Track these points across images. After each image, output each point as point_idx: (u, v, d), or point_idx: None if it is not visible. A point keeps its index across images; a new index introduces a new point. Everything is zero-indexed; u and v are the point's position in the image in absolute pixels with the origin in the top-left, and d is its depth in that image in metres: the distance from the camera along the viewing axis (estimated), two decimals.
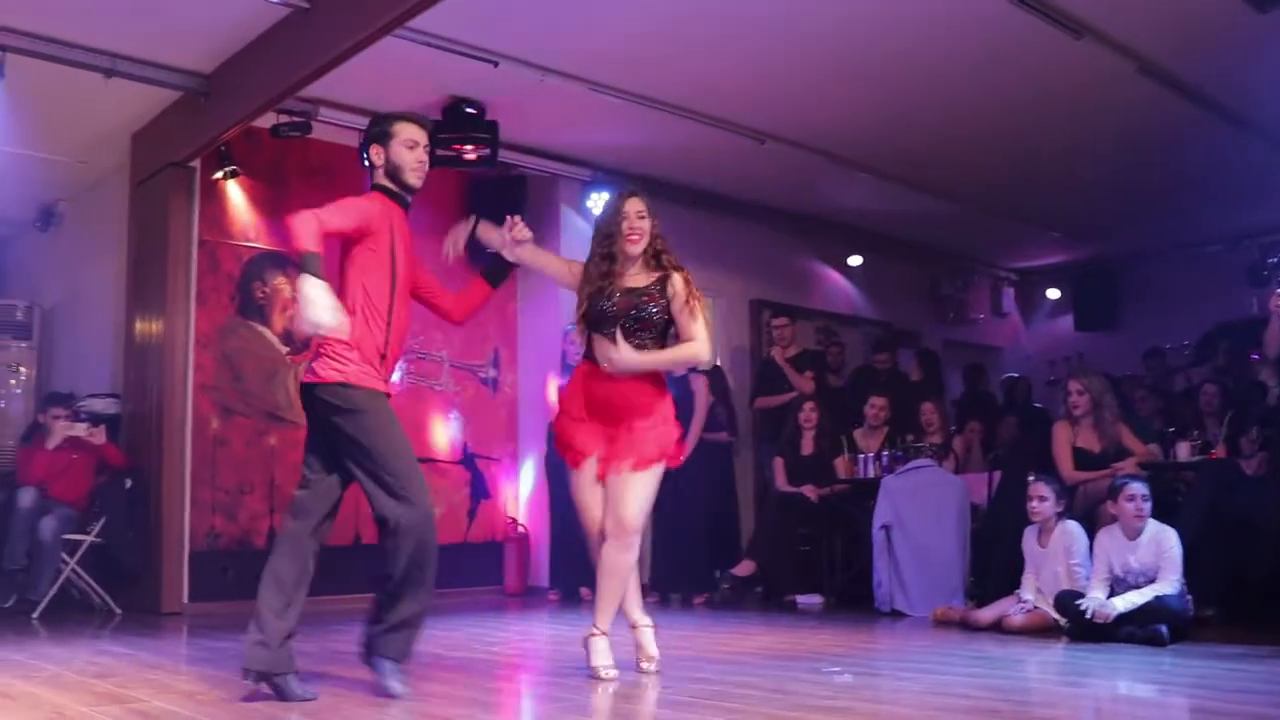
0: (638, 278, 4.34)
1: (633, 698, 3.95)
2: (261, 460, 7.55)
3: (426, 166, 4.02)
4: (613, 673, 4.19)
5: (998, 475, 7.06)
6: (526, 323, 9.05)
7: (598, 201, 8.71)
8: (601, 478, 4.28)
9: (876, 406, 8.00)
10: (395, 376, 7.93)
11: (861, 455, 7.68)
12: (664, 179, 9.20)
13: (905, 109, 7.77)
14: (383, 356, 3.88)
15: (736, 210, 9.89)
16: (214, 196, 7.59)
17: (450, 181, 8.40)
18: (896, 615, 6.75)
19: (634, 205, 4.36)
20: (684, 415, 7.97)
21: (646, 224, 4.35)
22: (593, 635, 4.27)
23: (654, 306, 4.28)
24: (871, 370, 9.58)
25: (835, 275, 11.00)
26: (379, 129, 4.00)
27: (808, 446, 7.95)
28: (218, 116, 6.95)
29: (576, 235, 8.80)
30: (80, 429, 7.37)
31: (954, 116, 7.91)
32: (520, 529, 8.73)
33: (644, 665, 4.33)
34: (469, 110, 7.45)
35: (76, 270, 9.13)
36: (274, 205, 7.58)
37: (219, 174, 7.46)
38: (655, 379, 4.33)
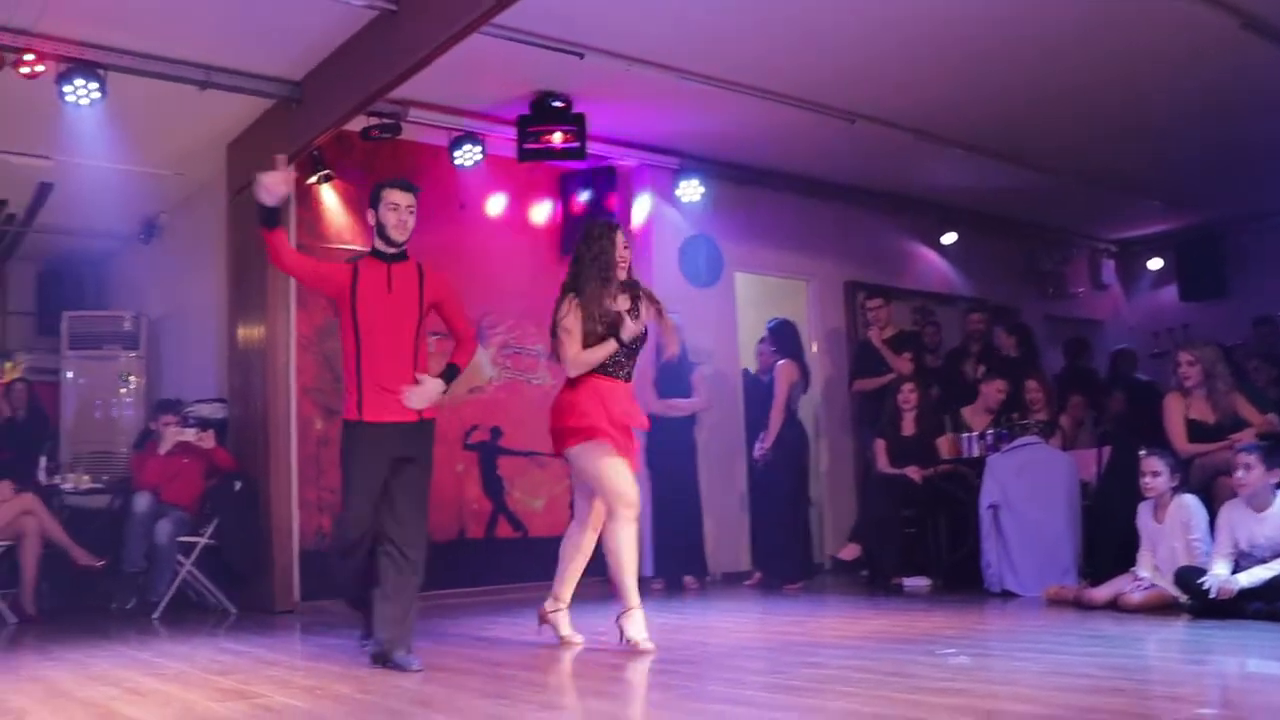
0: (620, 300, 4.84)
1: (749, 684, 3.93)
2: None
3: (409, 223, 4.67)
4: (649, 646, 4.68)
5: (1107, 451, 6.89)
6: None
7: (687, 189, 8.68)
8: None
9: (996, 388, 7.83)
10: (492, 372, 8.15)
11: (966, 435, 7.55)
12: (754, 164, 9.16)
13: (997, 81, 7.59)
14: (358, 390, 4.52)
15: (827, 192, 9.79)
16: (309, 201, 7.69)
17: (541, 175, 8.47)
18: (1007, 596, 6.64)
19: (622, 237, 4.88)
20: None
21: (629, 253, 4.91)
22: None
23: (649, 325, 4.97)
24: (965, 349, 9.39)
25: (929, 254, 10.80)
26: (372, 196, 4.72)
27: (908, 428, 7.86)
28: (310, 122, 7.06)
29: (667, 225, 8.79)
30: (190, 434, 7.54)
31: (1047, 86, 7.71)
32: None
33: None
34: (556, 104, 7.46)
35: (179, 280, 9.35)
36: (367, 207, 7.64)
37: (313, 179, 7.55)
38: None
